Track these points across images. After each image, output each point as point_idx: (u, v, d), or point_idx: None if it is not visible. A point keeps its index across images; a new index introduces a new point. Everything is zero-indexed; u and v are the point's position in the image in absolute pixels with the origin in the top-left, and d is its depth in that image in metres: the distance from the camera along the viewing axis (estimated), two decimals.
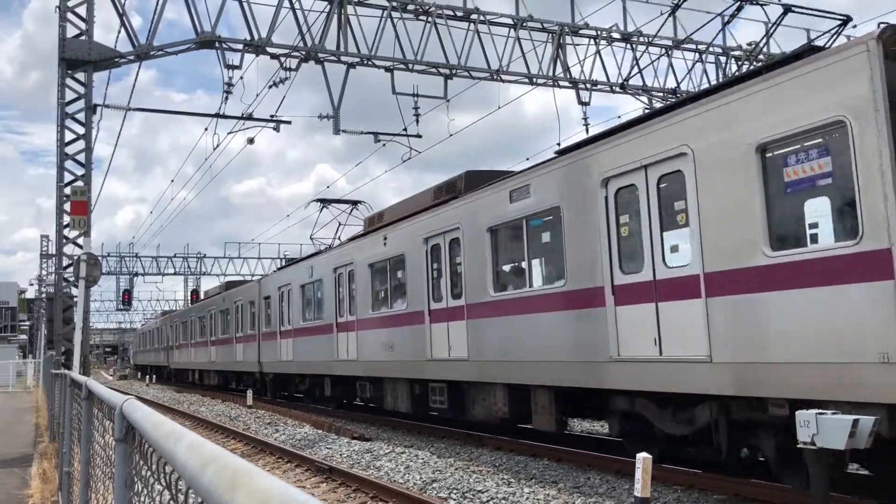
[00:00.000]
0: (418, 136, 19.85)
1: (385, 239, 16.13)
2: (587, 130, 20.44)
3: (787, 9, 11.60)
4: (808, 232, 7.70)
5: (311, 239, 24.39)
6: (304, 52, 17.76)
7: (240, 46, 17.32)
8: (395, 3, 18.55)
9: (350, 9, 18.17)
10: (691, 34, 19.43)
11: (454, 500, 9.29)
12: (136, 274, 51.58)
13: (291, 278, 22.70)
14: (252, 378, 27.91)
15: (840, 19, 10.08)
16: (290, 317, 22.56)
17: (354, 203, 23.57)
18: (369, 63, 18.45)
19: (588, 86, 20.64)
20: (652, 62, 20.46)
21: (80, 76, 16.43)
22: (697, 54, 22.16)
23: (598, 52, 20.78)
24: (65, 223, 16.29)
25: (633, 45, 21.26)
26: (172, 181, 46.63)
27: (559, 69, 20.26)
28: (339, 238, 22.91)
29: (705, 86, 22.00)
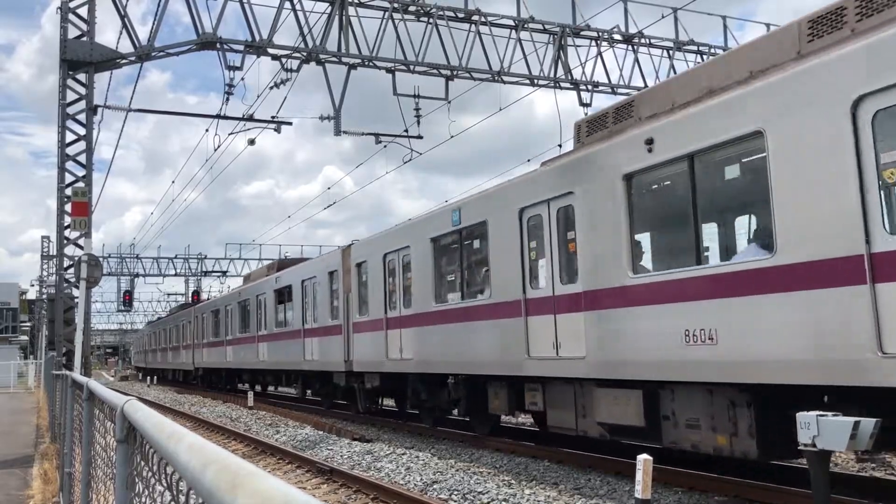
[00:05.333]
0: (419, 137, 19.87)
1: (240, 293, 29.25)
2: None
3: None
4: None
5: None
6: (305, 54, 17.76)
7: (241, 47, 17.33)
8: (396, 5, 18.56)
9: (351, 10, 18.18)
10: None
11: (455, 501, 9.29)
12: (137, 275, 51.59)
13: (206, 308, 34.98)
14: (191, 373, 39.70)
15: None
16: (204, 334, 34.62)
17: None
18: (370, 64, 18.45)
19: (589, 87, 20.65)
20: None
21: (82, 77, 16.45)
22: (699, 55, 22.17)
23: (599, 53, 20.79)
24: (66, 224, 16.30)
25: (635, 47, 21.27)
26: (173, 182, 46.57)
27: (560, 70, 20.27)
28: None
29: None
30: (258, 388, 32.12)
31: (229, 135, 19.40)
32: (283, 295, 23.48)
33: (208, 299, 44.12)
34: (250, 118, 18.70)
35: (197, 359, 36.77)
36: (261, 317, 25.67)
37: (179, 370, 44.17)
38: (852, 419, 6.44)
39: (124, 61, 16.70)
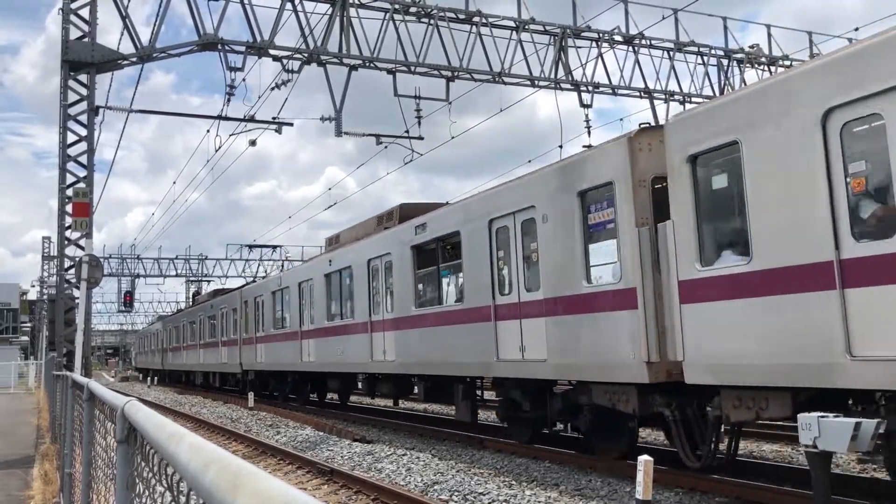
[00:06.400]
0: (420, 138, 19.86)
1: (330, 261, 20.02)
2: (589, 133, 20.48)
3: None
4: None
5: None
6: (306, 55, 17.76)
7: (242, 48, 17.33)
8: (397, 6, 18.56)
9: (352, 11, 18.18)
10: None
11: (456, 502, 9.29)
12: (138, 276, 51.60)
13: (263, 289, 27.02)
14: (234, 377, 31.85)
15: None
16: (260, 324, 26.87)
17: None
18: (371, 65, 18.45)
19: (590, 88, 20.65)
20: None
21: (83, 78, 16.45)
22: (699, 56, 22.18)
23: (600, 54, 20.79)
24: (67, 224, 16.30)
25: (636, 48, 21.27)
26: (174, 183, 46.61)
27: (561, 72, 20.27)
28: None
29: (707, 89, 22.02)
30: (332, 397, 25.09)
31: (230, 136, 19.42)
32: (435, 253, 14.93)
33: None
34: (251, 119, 18.70)
35: (247, 358, 28.48)
36: (377, 292, 17.06)
37: (215, 373, 35.40)
38: (853, 420, 6.45)
39: (125, 62, 16.70)
